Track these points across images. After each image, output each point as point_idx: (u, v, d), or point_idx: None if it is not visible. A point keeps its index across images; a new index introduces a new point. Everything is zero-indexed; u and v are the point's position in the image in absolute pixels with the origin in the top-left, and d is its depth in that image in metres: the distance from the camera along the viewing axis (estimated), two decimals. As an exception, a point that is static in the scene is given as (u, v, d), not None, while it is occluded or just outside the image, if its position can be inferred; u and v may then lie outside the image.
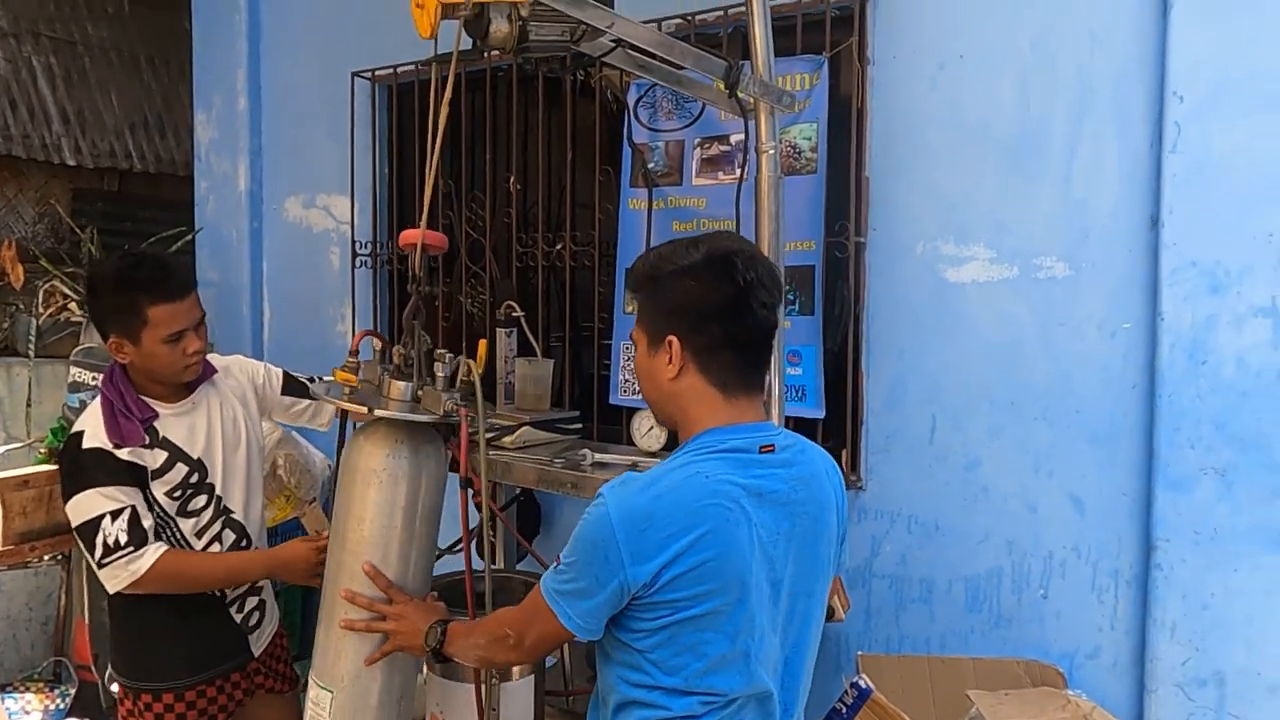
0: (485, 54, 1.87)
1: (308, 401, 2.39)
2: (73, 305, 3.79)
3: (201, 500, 2.14)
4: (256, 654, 2.28)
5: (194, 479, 2.12)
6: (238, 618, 2.23)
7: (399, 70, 3.43)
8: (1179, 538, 2.15)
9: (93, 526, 1.97)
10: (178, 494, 2.09)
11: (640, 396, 2.79)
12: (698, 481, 1.35)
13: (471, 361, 1.84)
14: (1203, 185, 2.11)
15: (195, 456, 2.13)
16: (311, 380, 2.42)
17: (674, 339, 1.41)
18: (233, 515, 2.21)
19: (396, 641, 1.75)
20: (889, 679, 2.48)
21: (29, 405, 3.78)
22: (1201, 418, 2.12)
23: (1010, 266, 2.37)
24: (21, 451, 3.48)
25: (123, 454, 2.01)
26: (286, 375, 2.41)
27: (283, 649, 2.41)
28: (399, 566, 1.81)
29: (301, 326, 3.83)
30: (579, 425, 2.75)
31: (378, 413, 1.78)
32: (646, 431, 2.45)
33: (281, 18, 3.94)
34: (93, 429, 2.03)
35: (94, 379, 3.01)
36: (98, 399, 2.10)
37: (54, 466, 3.14)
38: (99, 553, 1.97)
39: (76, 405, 3.07)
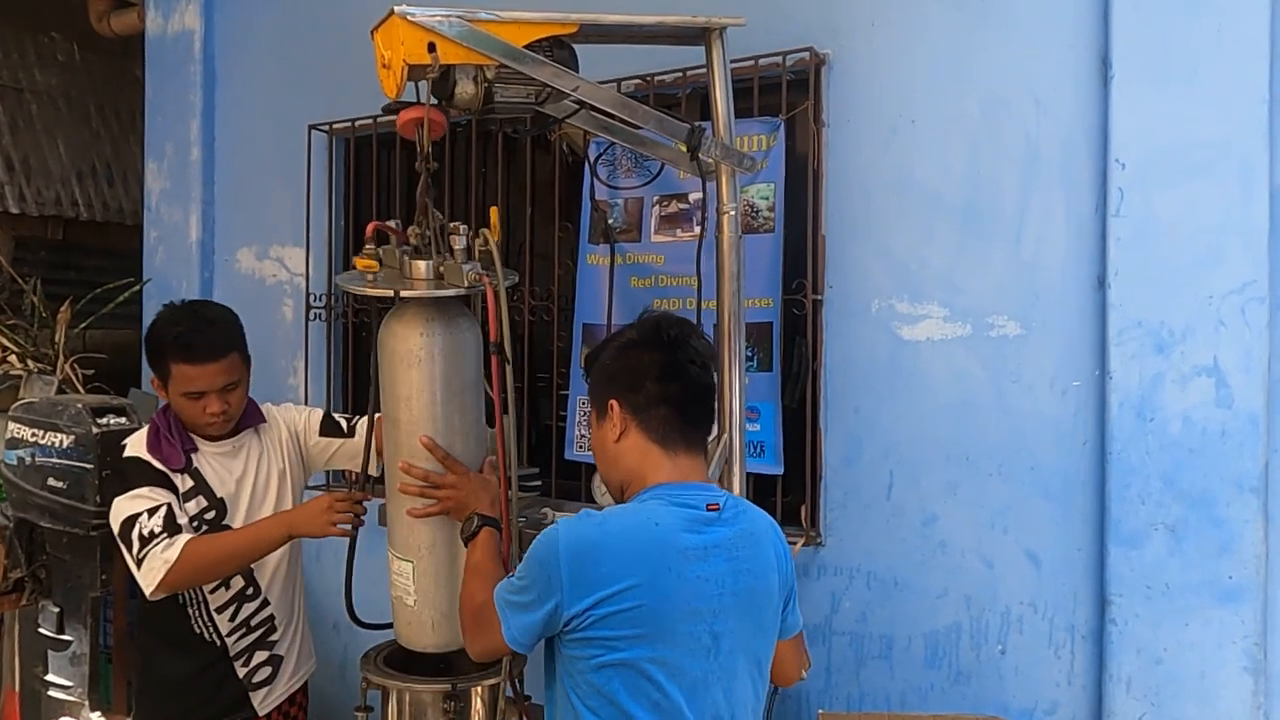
0: (446, 112, 1.88)
1: (342, 441, 2.38)
2: (13, 358, 3.68)
3: None
4: (262, 712, 2.25)
5: (210, 515, 2.16)
6: (241, 671, 2.22)
7: (357, 124, 3.42)
8: (1132, 593, 2.19)
9: (130, 524, 2.05)
10: (195, 525, 2.13)
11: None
12: (647, 528, 1.43)
13: (487, 230, 1.87)
14: (1146, 248, 2.18)
15: (219, 495, 2.18)
16: (349, 420, 2.42)
17: (615, 403, 1.54)
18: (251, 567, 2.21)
19: (444, 507, 1.86)
20: (850, 738, 2.46)
21: (-39, 461, 3.63)
22: (1150, 474, 2.17)
23: (963, 325, 2.42)
24: (-49, 510, 3.33)
25: (159, 465, 2.12)
26: (326, 416, 2.42)
27: (300, 709, 2.40)
28: (450, 436, 1.89)
29: (254, 380, 3.74)
30: (537, 483, 2.72)
31: (405, 294, 1.81)
32: (606, 489, 2.43)
33: (237, 69, 3.92)
34: (136, 444, 2.17)
35: (34, 435, 2.91)
36: (145, 427, 2.23)
37: (-12, 526, 3.02)
38: (136, 546, 2.02)
39: (14, 462, 2.95)
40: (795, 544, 2.54)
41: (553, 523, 2.28)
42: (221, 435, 2.21)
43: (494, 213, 1.96)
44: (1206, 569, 2.12)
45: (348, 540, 2.06)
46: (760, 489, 2.58)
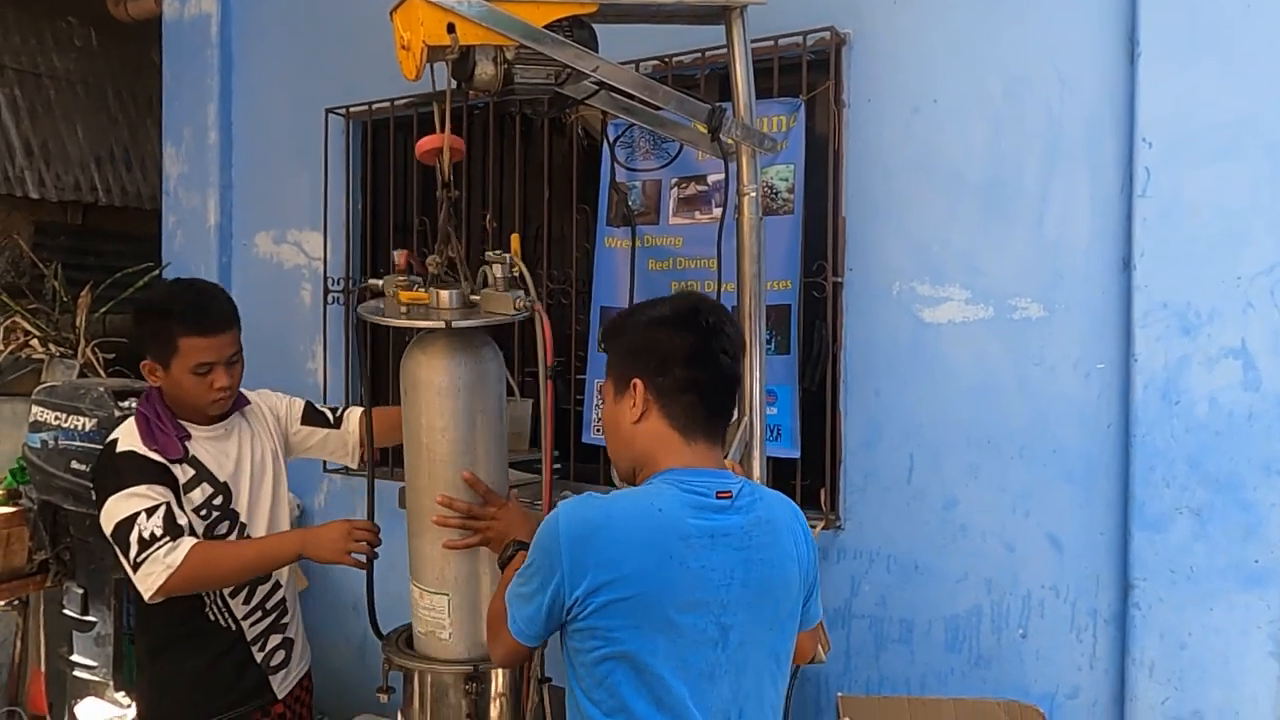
0: (466, 94, 1.88)
1: (325, 431, 2.36)
2: (35, 342, 3.70)
3: (224, 527, 2.12)
4: (280, 695, 2.23)
5: (218, 501, 2.11)
6: (259, 656, 2.19)
7: (374, 107, 3.42)
8: (1156, 577, 2.17)
9: (127, 525, 1.95)
10: (203, 514, 2.08)
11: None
12: (650, 513, 1.38)
13: (514, 258, 1.86)
14: (1172, 228, 2.15)
15: (222, 480, 2.13)
16: (335, 411, 2.40)
17: (639, 382, 1.47)
18: None
19: (485, 538, 1.84)
20: (870, 721, 2.46)
21: (-14, 444, 3.67)
22: (1176, 457, 2.15)
23: (985, 307, 2.40)
24: (-23, 493, 3.36)
25: (156, 457, 2.02)
26: (308, 405, 2.39)
27: (308, 692, 2.37)
28: (485, 465, 1.88)
29: (271, 365, 3.74)
30: (556, 466, 2.72)
31: (458, 324, 1.79)
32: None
33: (254, 53, 3.91)
34: (127, 436, 2.06)
35: (56, 418, 2.93)
36: (132, 417, 2.11)
37: (12, 509, 3.05)
38: (134, 550, 1.93)
39: (38, 445, 2.98)
40: (815, 527, 2.54)
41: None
42: (214, 419, 2.15)
43: (515, 240, 1.94)
44: (1232, 553, 2.10)
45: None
46: (778, 472, 2.58)
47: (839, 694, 2.48)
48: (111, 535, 1.99)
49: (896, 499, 2.52)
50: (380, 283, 1.99)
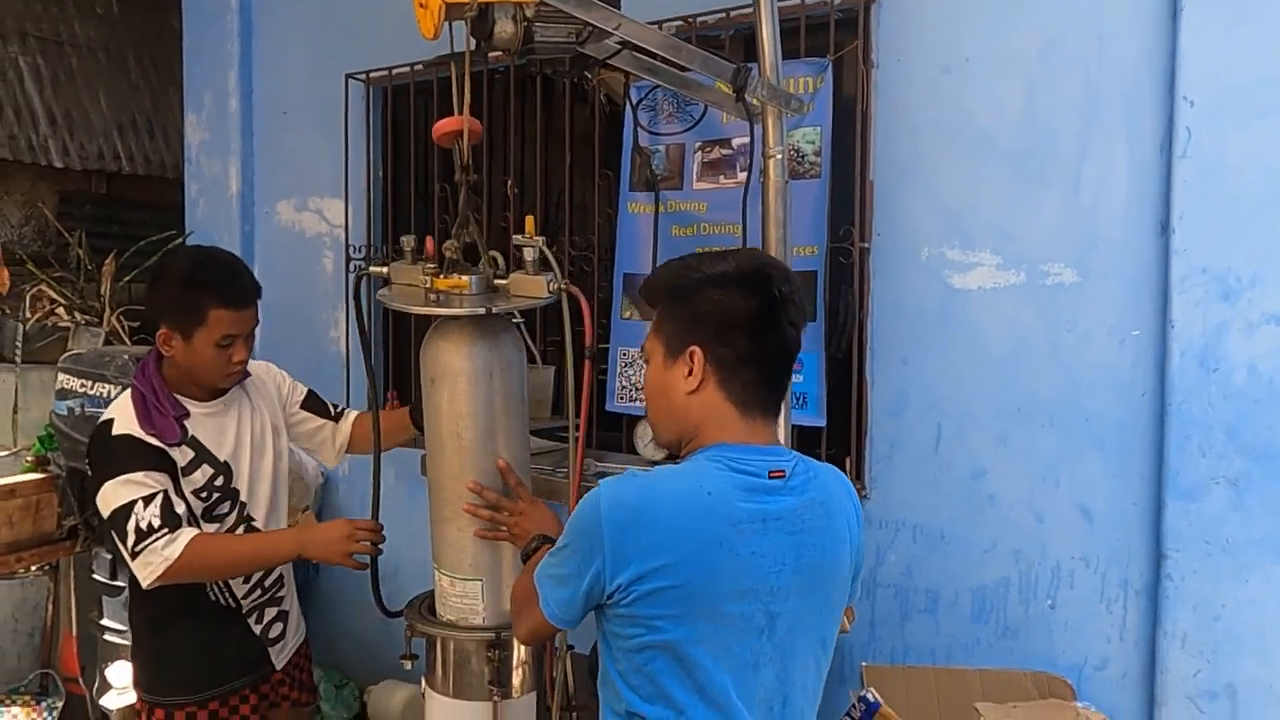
0: (485, 56, 1.84)
1: (321, 421, 2.34)
2: (60, 310, 3.72)
3: (225, 506, 2.10)
4: (279, 666, 2.23)
5: (219, 482, 2.08)
6: (257, 629, 2.18)
7: (394, 72, 3.38)
8: (1190, 548, 2.12)
9: (125, 513, 1.92)
10: (204, 495, 2.06)
11: (638, 404, 2.78)
12: (698, 497, 1.29)
13: (543, 243, 1.82)
14: (1213, 191, 2.08)
15: (222, 459, 2.09)
16: (336, 407, 2.39)
17: (697, 349, 1.34)
18: (254, 524, 2.17)
19: (512, 534, 1.80)
20: (894, 690, 2.44)
21: (15, 412, 3.71)
22: (1213, 426, 2.09)
23: (1017, 273, 2.34)
24: (8, 460, 3.41)
25: (153, 442, 1.97)
26: (311, 392, 2.37)
27: (306, 659, 2.37)
28: (511, 450, 1.88)
29: (294, 333, 3.76)
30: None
31: (495, 309, 1.77)
32: (649, 441, 2.41)
33: (274, 19, 3.88)
34: (123, 416, 2.00)
35: (82, 386, 2.95)
36: (127, 390, 2.06)
37: (41, 476, 3.08)
38: (132, 539, 1.91)
39: (64, 412, 3.00)
40: (840, 496, 2.51)
41: (594, 475, 2.26)
42: (213, 395, 2.11)
43: (530, 221, 1.90)
44: (1270, 524, 2.05)
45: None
46: (803, 440, 2.54)
47: (863, 663, 2.46)
48: (108, 520, 1.96)
49: (923, 468, 2.48)
50: (385, 270, 1.96)
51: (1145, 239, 2.19)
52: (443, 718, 1.93)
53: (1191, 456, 2.11)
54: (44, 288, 3.77)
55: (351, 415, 2.39)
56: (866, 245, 2.52)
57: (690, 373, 1.35)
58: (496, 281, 1.83)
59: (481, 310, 1.77)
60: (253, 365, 2.23)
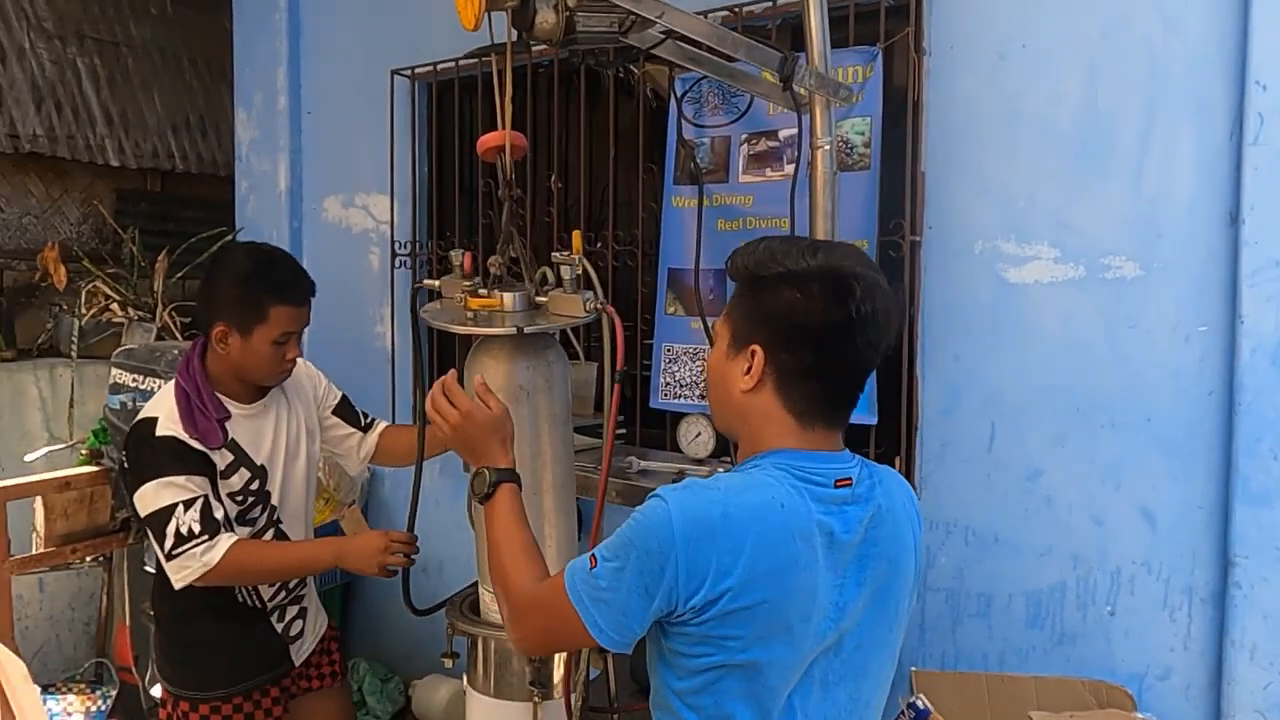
0: (530, 48, 1.82)
1: (350, 430, 2.35)
2: (114, 306, 3.79)
3: (258, 510, 2.11)
4: (297, 664, 2.24)
5: (254, 485, 2.09)
6: (279, 627, 2.19)
7: (439, 67, 3.37)
8: (1260, 554, 2.03)
9: (164, 516, 1.91)
10: (239, 499, 2.07)
11: (683, 401, 2.74)
12: (772, 510, 1.19)
13: (583, 260, 1.81)
14: (1288, 180, 1.98)
15: (259, 463, 2.09)
16: (366, 416, 2.39)
17: (759, 350, 1.26)
18: (281, 528, 2.17)
19: (446, 437, 1.58)
20: (945, 697, 2.38)
21: (72, 406, 3.79)
22: (1285, 427, 2.00)
23: (1076, 266, 2.26)
24: (64, 453, 3.48)
25: (195, 445, 1.98)
26: (345, 398, 2.38)
27: (331, 645, 2.38)
28: (555, 472, 1.87)
29: (341, 328, 3.79)
30: (622, 431, 2.67)
31: (532, 329, 1.75)
32: (694, 438, 2.37)
33: (321, 15, 3.90)
34: (166, 416, 1.99)
35: (134, 380, 3.00)
36: (169, 386, 2.07)
37: (95, 469, 3.14)
38: (170, 543, 1.91)
39: (117, 407, 3.05)
40: (889, 497, 2.45)
41: (638, 473, 2.23)
42: (254, 396, 2.12)
43: (576, 236, 1.89)
44: (1346, 530, 1.95)
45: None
46: (852, 438, 2.47)
47: (913, 668, 2.40)
48: (146, 520, 1.96)
49: (976, 468, 2.41)
50: (438, 283, 1.95)
51: (1213, 230, 2.09)
52: (483, 717, 1.91)
53: (1262, 459, 2.02)
54: (99, 284, 3.84)
55: (380, 427, 2.40)
56: (918, 239, 2.45)
57: (748, 371, 1.27)
58: (537, 299, 1.81)
59: (513, 330, 1.74)
60: (297, 372, 2.25)
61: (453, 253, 1.93)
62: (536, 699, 1.83)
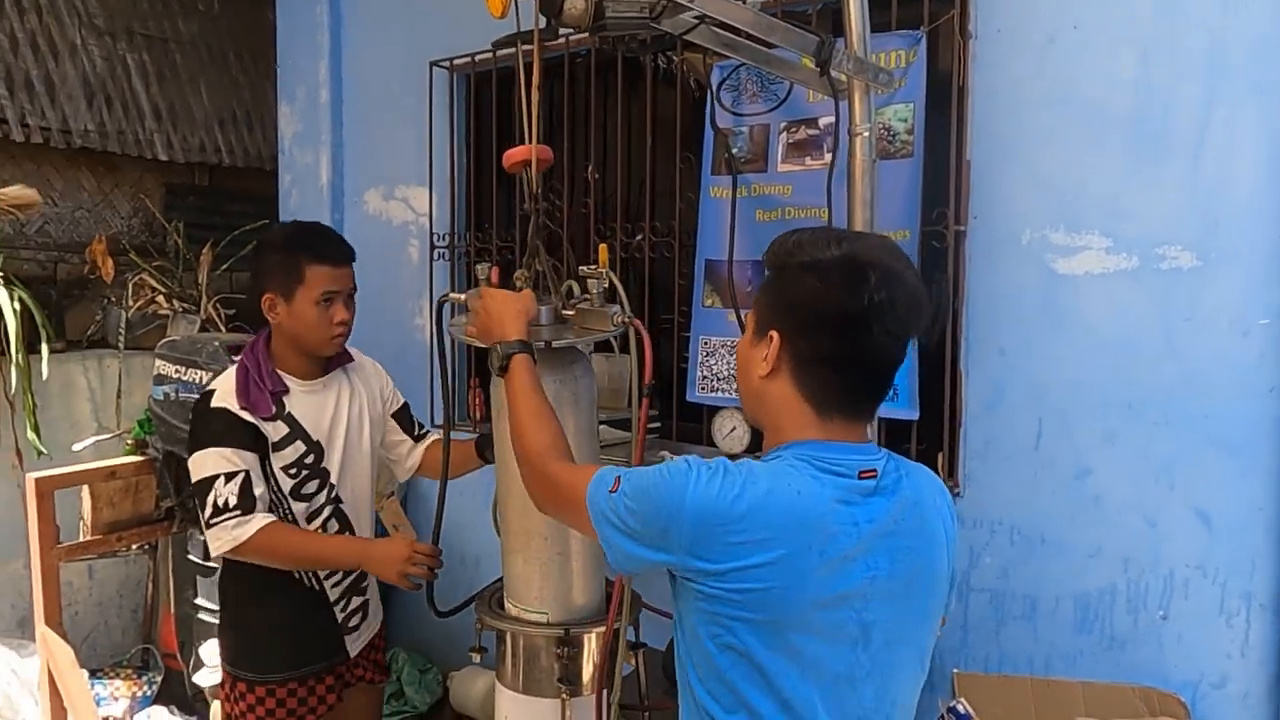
0: (566, 38, 1.79)
1: (403, 437, 2.38)
2: (159, 298, 3.85)
3: (314, 485, 2.15)
4: (353, 654, 2.27)
5: (309, 459, 2.13)
6: (340, 616, 2.22)
7: (476, 59, 3.36)
8: (1324, 559, 1.93)
9: (206, 485, 2.01)
10: (293, 472, 2.11)
11: (719, 394, 2.70)
12: (788, 498, 1.19)
13: (612, 274, 1.83)
14: (1357, 165, 1.88)
15: (315, 438, 2.14)
16: (421, 428, 2.43)
17: (776, 335, 1.26)
18: (342, 506, 2.21)
19: (473, 332, 1.73)
20: (987, 701, 2.31)
21: (119, 397, 3.85)
22: (1353, 426, 1.89)
23: (1129, 257, 2.17)
24: (112, 442, 3.53)
25: (247, 417, 2.05)
26: (405, 405, 2.41)
27: (381, 640, 2.41)
28: None
29: (380, 321, 3.79)
30: (657, 424, 2.64)
31: (557, 344, 1.76)
32: (729, 433, 2.33)
33: (362, 8, 3.91)
34: (223, 390, 2.08)
35: (176, 371, 3.03)
36: (234, 366, 2.15)
37: (140, 458, 3.18)
38: (208, 512, 2.00)
39: (160, 397, 3.09)
40: (931, 494, 2.38)
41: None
42: (317, 371, 2.17)
43: (603, 250, 1.89)
44: None
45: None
46: (893, 435, 2.42)
47: (955, 670, 2.34)
48: (194, 487, 2.05)
49: (1022, 466, 2.33)
50: (463, 297, 1.96)
51: (1275, 218, 1.99)
52: (512, 713, 1.89)
53: (1327, 459, 1.92)
54: (145, 276, 3.90)
55: (430, 439, 2.42)
56: (962, 228, 2.37)
57: (765, 358, 1.28)
58: (564, 312, 1.81)
59: (540, 344, 1.74)
60: (362, 359, 2.32)
61: (479, 266, 1.93)
62: (565, 696, 1.80)
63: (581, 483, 1.33)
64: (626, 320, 1.74)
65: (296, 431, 2.11)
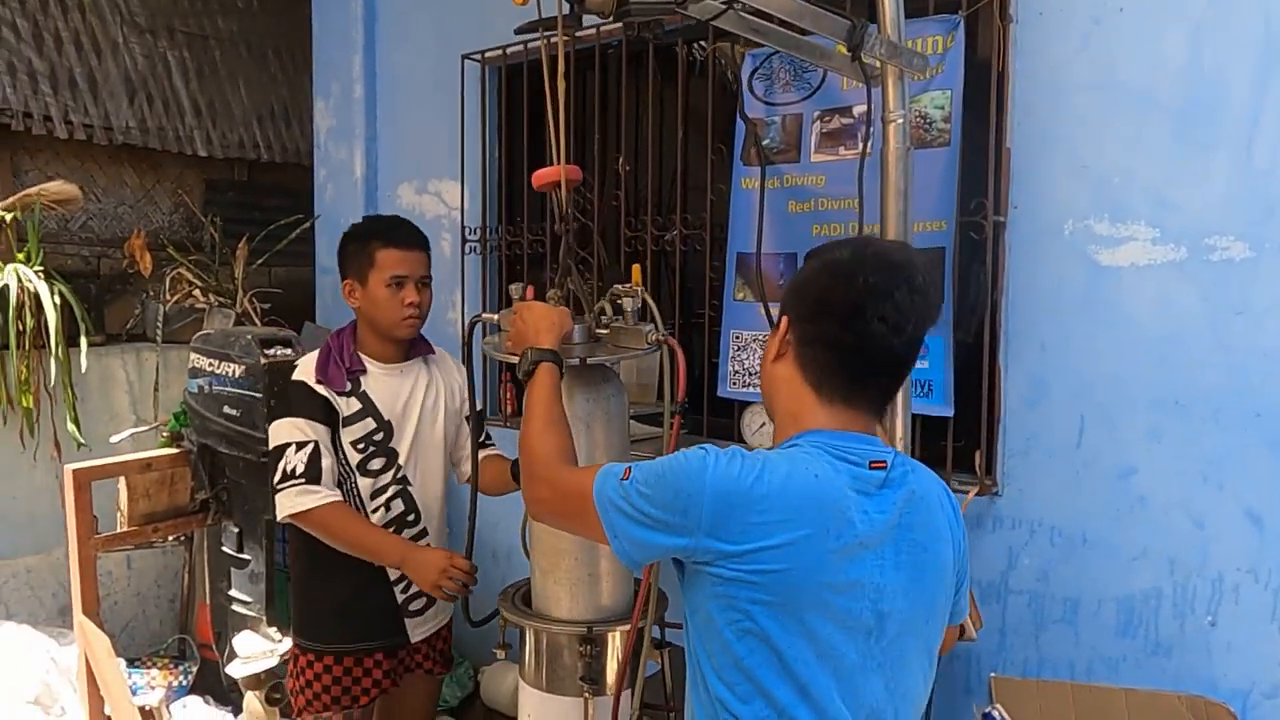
0: (596, 28, 1.76)
1: (468, 441, 2.36)
2: (196, 292, 3.89)
3: (380, 462, 2.21)
4: (414, 639, 2.30)
5: (378, 437, 2.21)
6: (400, 598, 2.27)
7: (508, 51, 3.34)
8: (1384, 564, 1.84)
9: (279, 452, 2.14)
10: (361, 447, 2.19)
11: (750, 390, 2.65)
12: (806, 480, 1.22)
13: (645, 293, 1.85)
14: None
15: (387, 418, 2.22)
16: (488, 437, 2.47)
17: (787, 318, 1.34)
18: (410, 489, 2.27)
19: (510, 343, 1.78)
20: (1025, 707, 2.24)
21: (156, 389, 3.90)
22: None
23: (1177, 248, 2.08)
24: (149, 434, 3.58)
25: (321, 390, 2.17)
26: (480, 410, 2.49)
27: (448, 632, 2.46)
28: None
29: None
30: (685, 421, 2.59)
31: (591, 361, 1.78)
32: (758, 428, 2.29)
33: (395, 2, 3.91)
34: (304, 366, 2.23)
35: (210, 365, 3.05)
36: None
37: (175, 451, 3.21)
38: (277, 477, 2.12)
39: (195, 390, 3.11)
40: (968, 492, 2.32)
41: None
42: (397, 355, 2.26)
43: (636, 270, 1.90)
44: None
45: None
46: (926, 432, 2.36)
47: (992, 674, 2.27)
48: (269, 453, 2.18)
49: (1063, 464, 2.25)
50: (496, 317, 2.01)
51: (1334, 207, 1.90)
52: (535, 710, 1.87)
53: (1388, 459, 1.82)
54: (182, 271, 3.94)
55: (488, 451, 2.42)
56: (1001, 219, 2.30)
57: (776, 341, 1.35)
58: (598, 331, 1.84)
59: (575, 361, 1.77)
60: (446, 357, 2.41)
61: (512, 286, 1.96)
62: (588, 694, 1.77)
63: (586, 478, 1.33)
64: (661, 339, 1.76)
65: (368, 409, 2.20)
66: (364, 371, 2.23)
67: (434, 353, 2.37)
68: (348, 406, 2.19)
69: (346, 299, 2.27)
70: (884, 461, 1.27)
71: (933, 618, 1.31)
